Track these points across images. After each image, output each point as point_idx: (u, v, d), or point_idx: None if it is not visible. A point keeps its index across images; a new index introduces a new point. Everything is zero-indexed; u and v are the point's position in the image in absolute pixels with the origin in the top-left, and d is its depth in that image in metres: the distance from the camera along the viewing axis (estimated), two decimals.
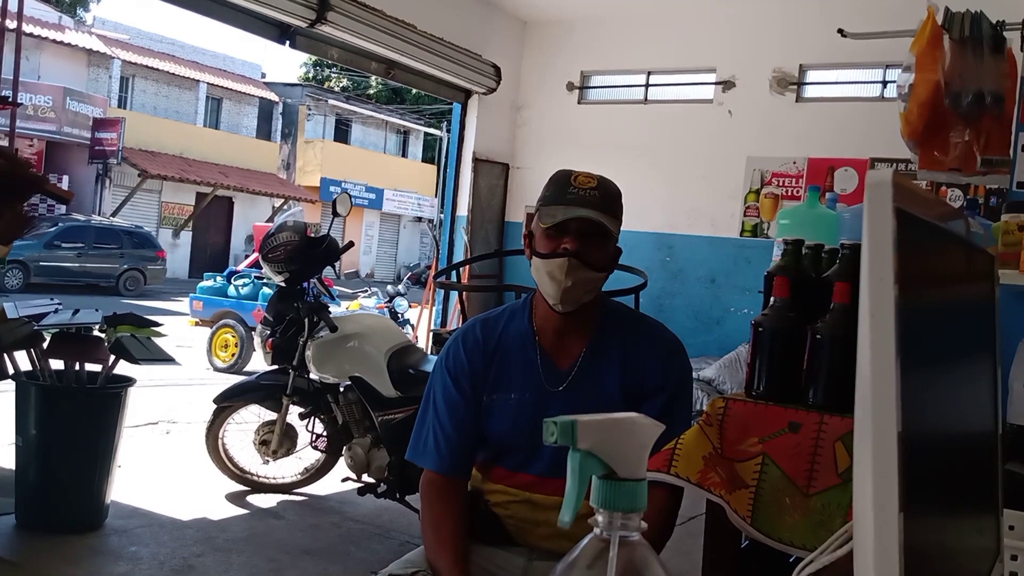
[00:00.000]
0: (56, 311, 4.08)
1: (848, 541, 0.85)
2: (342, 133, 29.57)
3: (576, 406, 1.73)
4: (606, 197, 1.72)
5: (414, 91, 22.07)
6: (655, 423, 0.76)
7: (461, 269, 7.79)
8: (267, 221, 21.22)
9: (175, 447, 5.50)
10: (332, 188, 24.92)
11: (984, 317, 1.02)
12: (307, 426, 4.48)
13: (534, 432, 1.76)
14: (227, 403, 4.54)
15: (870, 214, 0.63)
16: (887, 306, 0.61)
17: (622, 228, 1.79)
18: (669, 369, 1.81)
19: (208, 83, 25.55)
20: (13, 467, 3.75)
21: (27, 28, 17.54)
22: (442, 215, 9.25)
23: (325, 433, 4.45)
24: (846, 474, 1.51)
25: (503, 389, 1.80)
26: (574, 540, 0.75)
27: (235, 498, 4.46)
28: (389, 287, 11.34)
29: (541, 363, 1.80)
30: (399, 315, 10.21)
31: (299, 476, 4.66)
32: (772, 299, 1.68)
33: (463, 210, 8.61)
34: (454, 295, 8.07)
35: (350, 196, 4.94)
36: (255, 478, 4.62)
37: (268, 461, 4.50)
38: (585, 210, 1.69)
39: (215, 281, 10.02)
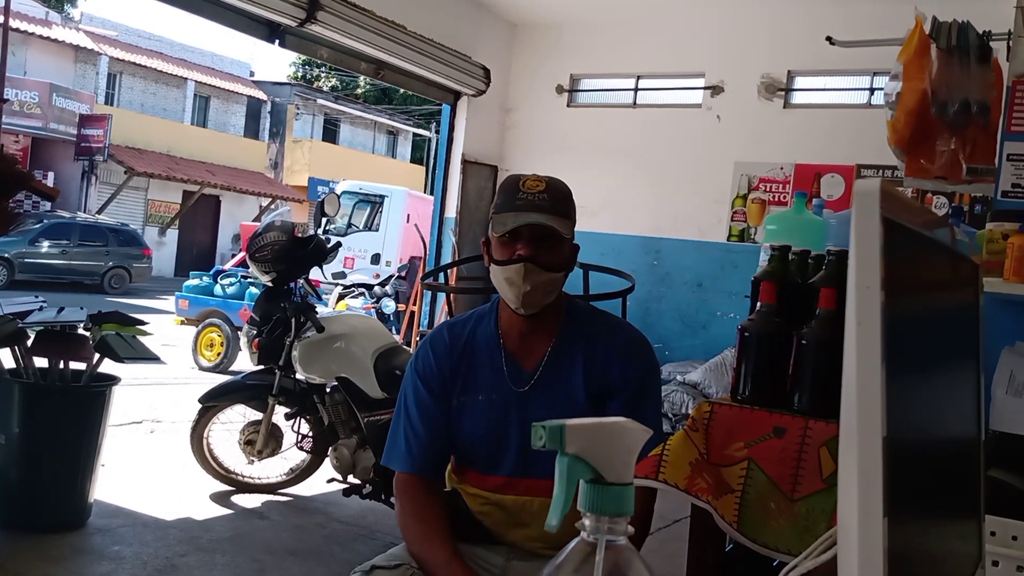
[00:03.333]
0: (41, 309, 4.06)
1: (832, 546, 0.86)
2: (330, 133, 29.47)
3: (541, 406, 1.75)
4: (555, 199, 1.73)
5: (403, 92, 22.06)
6: (643, 428, 0.76)
7: (449, 271, 7.78)
8: (254, 220, 21.15)
9: (159, 446, 5.46)
10: (320, 188, 24.84)
11: (968, 324, 1.03)
12: (293, 426, 4.47)
13: (500, 433, 1.78)
14: (212, 403, 4.52)
15: (858, 223, 0.63)
16: (874, 313, 0.61)
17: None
18: (631, 366, 1.81)
19: (196, 81, 25.43)
20: None
21: (14, 23, 17.45)
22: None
23: (311, 434, 4.44)
24: (831, 479, 1.52)
25: (471, 391, 1.81)
26: (551, 538, 0.75)
27: (219, 498, 4.44)
28: (376, 288, 11.31)
29: (506, 365, 1.81)
30: (386, 316, 10.18)
31: (284, 476, 4.64)
32: (758, 304, 1.70)
33: (451, 212, 8.60)
34: (442, 297, 8.06)
35: (338, 196, 4.93)
36: (240, 478, 4.60)
37: (253, 461, 4.48)
38: (535, 215, 1.70)
39: (201, 280, 9.96)
